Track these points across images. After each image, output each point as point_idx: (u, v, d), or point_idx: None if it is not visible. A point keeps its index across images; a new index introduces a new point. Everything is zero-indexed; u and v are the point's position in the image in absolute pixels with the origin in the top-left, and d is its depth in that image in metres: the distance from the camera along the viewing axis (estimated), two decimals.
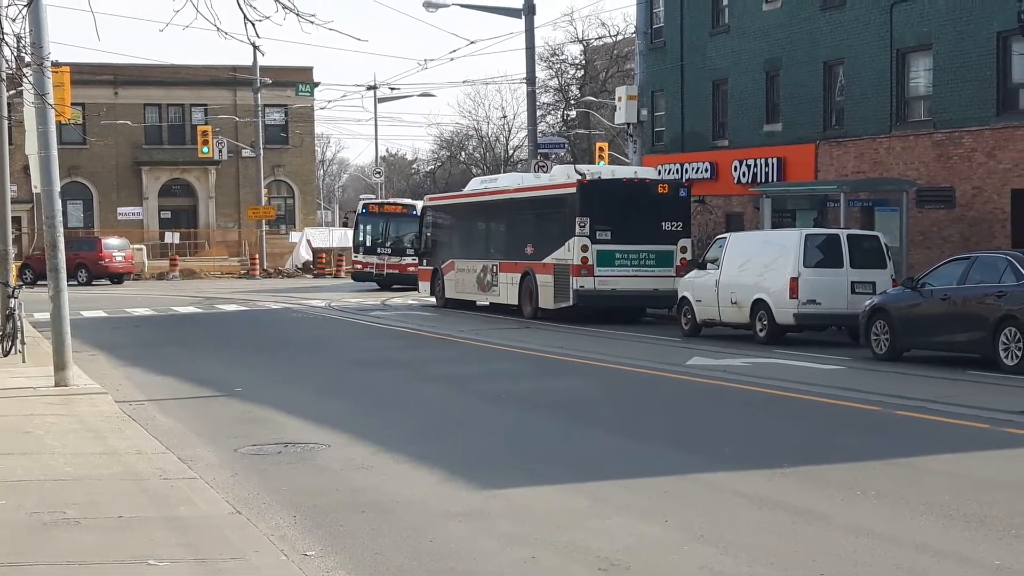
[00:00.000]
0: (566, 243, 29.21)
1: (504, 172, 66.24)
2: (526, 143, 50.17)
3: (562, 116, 71.55)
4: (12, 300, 21.37)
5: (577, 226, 28.81)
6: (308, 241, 62.61)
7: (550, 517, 9.44)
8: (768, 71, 34.09)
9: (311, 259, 60.96)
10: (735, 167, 34.69)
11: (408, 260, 44.81)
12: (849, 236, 23.85)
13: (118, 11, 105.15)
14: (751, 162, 34.02)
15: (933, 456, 11.96)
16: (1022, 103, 26.85)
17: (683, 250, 29.08)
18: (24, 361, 19.96)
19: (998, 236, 26.74)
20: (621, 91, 38.74)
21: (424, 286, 37.93)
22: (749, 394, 16.68)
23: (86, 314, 32.60)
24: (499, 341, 24.83)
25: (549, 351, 22.63)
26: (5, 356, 20.84)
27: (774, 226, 29.71)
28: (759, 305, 23.70)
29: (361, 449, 12.45)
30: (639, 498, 10.10)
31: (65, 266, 17.42)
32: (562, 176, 31.41)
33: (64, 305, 17.19)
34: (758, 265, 24.12)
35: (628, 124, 38.20)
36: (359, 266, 47.42)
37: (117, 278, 52.51)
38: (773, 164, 33.23)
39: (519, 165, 69.49)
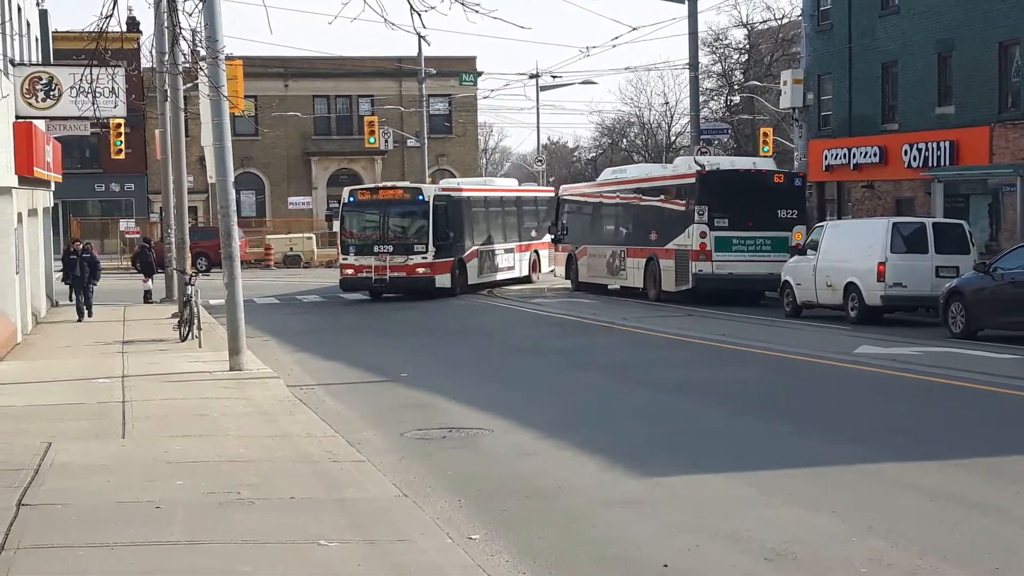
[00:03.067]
0: (686, 230, 30.79)
1: (666, 159, 65.73)
2: (688, 129, 49.60)
3: (725, 101, 70.58)
4: (189, 287, 22.14)
5: (696, 214, 30.41)
6: None
7: (713, 505, 9.37)
8: (940, 52, 33.10)
9: None
10: (905, 151, 33.79)
11: (418, 260, 33.48)
12: (935, 224, 25.19)
13: (288, 4, 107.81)
14: (922, 146, 33.09)
15: None
16: None
17: (797, 236, 30.02)
18: (200, 346, 20.64)
19: None
20: (786, 75, 38.11)
21: (559, 270, 40.05)
22: (920, 383, 16.26)
23: (259, 301, 33.49)
24: (661, 329, 24.69)
25: (712, 339, 22.41)
26: (183, 341, 21.59)
27: (946, 212, 29.51)
28: (851, 288, 25.17)
29: (523, 435, 12.54)
30: (806, 488, 9.94)
31: (239, 254, 17.96)
32: (683, 167, 33.08)
33: (238, 292, 17.73)
34: (851, 251, 25.49)
35: (793, 109, 37.67)
36: (349, 271, 34.25)
37: None
38: (945, 148, 32.25)
39: (682, 151, 68.79)
